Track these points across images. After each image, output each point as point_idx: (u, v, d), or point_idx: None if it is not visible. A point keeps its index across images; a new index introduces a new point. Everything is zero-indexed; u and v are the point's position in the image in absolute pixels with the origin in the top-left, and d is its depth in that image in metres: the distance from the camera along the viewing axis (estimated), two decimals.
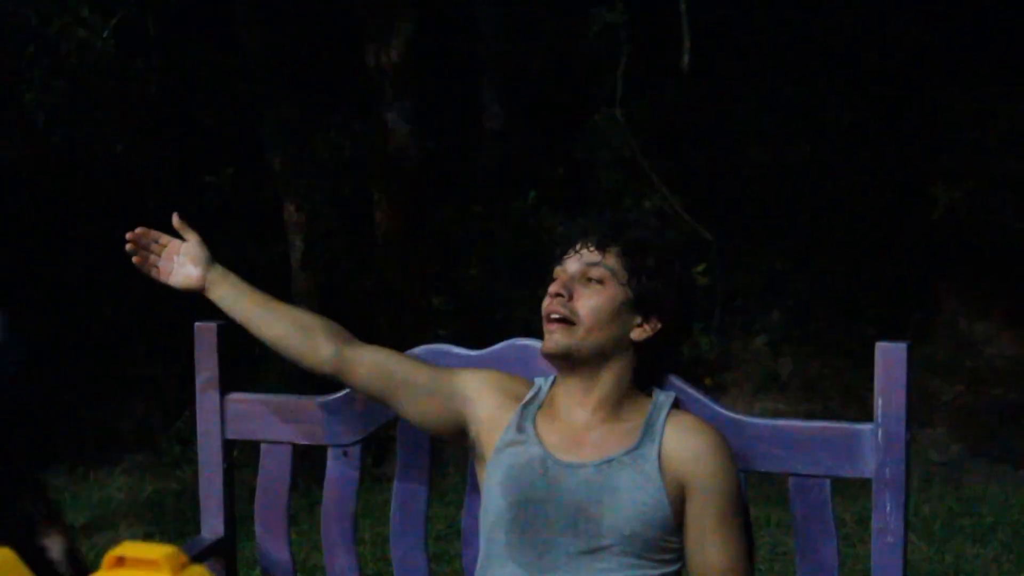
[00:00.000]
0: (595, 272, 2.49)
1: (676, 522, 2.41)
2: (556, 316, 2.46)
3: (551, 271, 2.57)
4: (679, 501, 2.41)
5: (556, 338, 2.46)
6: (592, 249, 2.51)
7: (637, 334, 2.50)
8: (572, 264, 2.51)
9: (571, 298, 2.47)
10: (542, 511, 2.43)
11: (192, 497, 5.52)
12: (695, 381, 2.68)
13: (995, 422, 7.69)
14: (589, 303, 2.47)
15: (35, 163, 8.60)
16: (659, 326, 2.51)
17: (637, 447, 2.44)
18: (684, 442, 2.44)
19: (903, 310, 8.44)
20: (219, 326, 2.91)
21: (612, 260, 2.50)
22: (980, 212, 8.50)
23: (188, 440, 7.20)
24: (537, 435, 2.52)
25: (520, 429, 2.53)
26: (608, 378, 2.50)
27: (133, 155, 7.69)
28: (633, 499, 2.39)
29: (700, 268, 7.60)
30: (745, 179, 8.90)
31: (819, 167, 8.87)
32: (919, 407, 6.87)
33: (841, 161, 8.89)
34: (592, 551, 2.39)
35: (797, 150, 8.80)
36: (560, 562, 2.40)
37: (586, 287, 2.48)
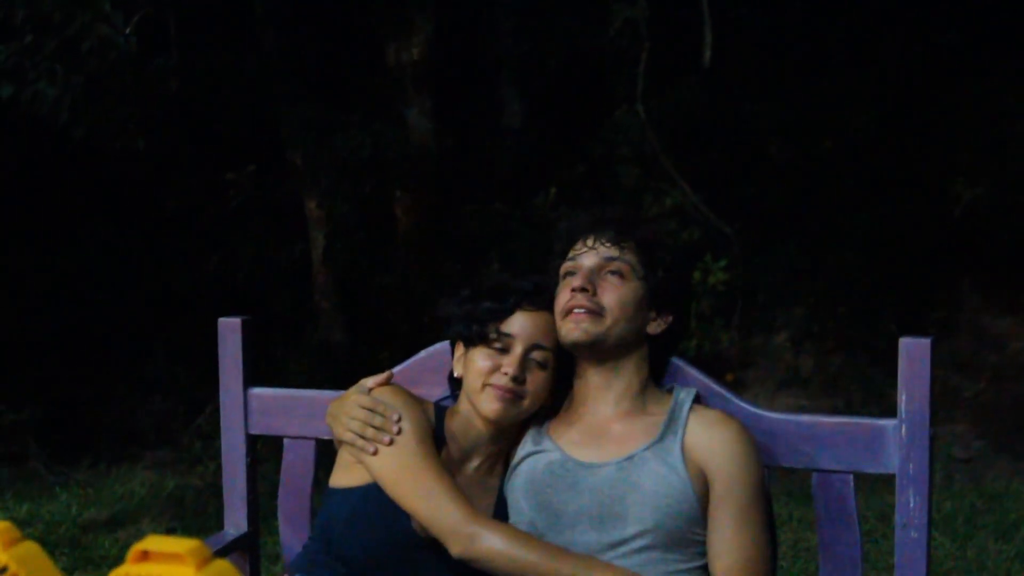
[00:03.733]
0: (615, 266, 2.50)
1: (702, 514, 2.41)
2: (582, 310, 2.46)
3: (555, 267, 2.58)
4: (704, 492, 2.41)
5: (584, 327, 2.46)
6: (608, 244, 2.52)
7: (652, 328, 2.53)
8: (588, 258, 2.52)
9: (595, 292, 2.47)
10: (564, 512, 2.44)
11: (214, 493, 5.56)
12: (716, 377, 2.68)
13: (1018, 418, 7.66)
14: (615, 295, 2.48)
15: (56, 160, 8.63)
16: (670, 319, 2.54)
17: (660, 440, 2.44)
18: (708, 433, 2.44)
19: (925, 306, 8.42)
20: (243, 321, 2.91)
21: (630, 255, 2.51)
22: (1002, 208, 8.47)
23: (210, 436, 7.22)
24: (554, 441, 2.53)
25: (535, 441, 2.55)
26: (628, 370, 2.52)
27: (154, 152, 7.70)
28: (657, 492, 2.39)
29: (721, 264, 7.59)
30: (766, 176, 8.88)
31: (840, 163, 8.85)
32: (941, 403, 6.86)
33: (862, 157, 8.86)
34: (616, 545, 2.39)
35: (818, 146, 8.78)
36: None
37: (606, 280, 2.49)
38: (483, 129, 9.55)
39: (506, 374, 2.47)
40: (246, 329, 2.92)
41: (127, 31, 6.20)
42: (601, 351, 2.49)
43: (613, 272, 2.50)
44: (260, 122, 8.64)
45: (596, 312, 2.46)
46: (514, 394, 2.48)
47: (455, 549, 2.37)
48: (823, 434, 2.55)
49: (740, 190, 8.77)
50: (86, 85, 6.29)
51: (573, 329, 2.46)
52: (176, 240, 9.10)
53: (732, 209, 8.23)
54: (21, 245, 8.70)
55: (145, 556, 1.15)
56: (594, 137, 8.75)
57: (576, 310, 2.47)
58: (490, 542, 2.36)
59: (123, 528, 6.12)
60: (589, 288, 2.47)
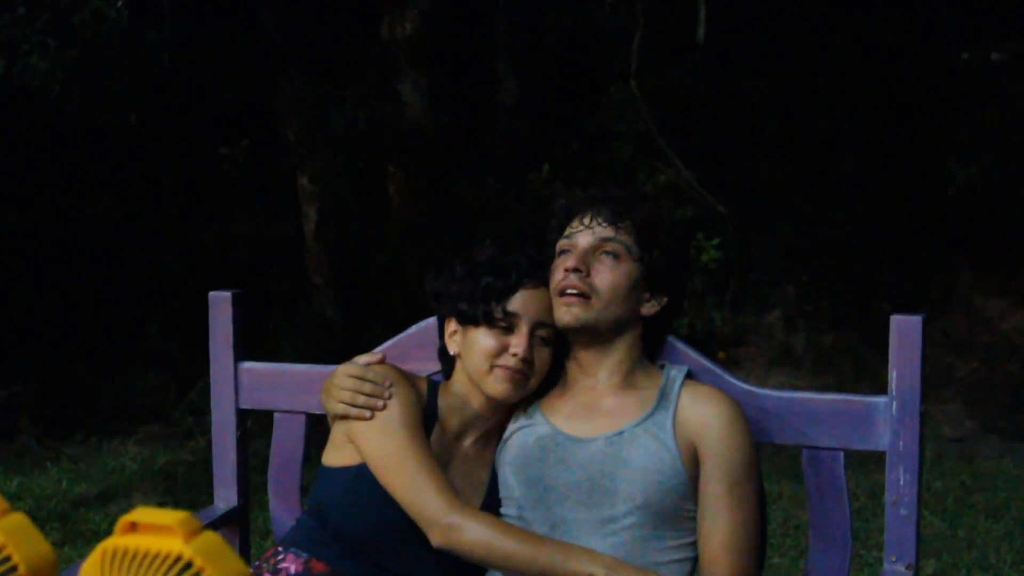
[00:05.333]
0: (610, 247, 2.48)
1: (692, 490, 2.41)
2: (574, 292, 2.45)
3: (551, 242, 2.57)
4: (694, 468, 2.41)
5: (575, 311, 2.44)
6: (605, 223, 2.50)
7: (647, 309, 2.52)
8: (583, 238, 2.50)
9: (588, 273, 2.46)
10: (553, 487, 2.44)
11: (205, 468, 5.55)
12: (708, 355, 2.68)
13: (1009, 398, 7.68)
14: (608, 278, 2.46)
15: (49, 135, 8.61)
16: (665, 300, 2.53)
17: (651, 415, 2.44)
18: (699, 409, 2.43)
19: (918, 286, 8.42)
20: (234, 295, 2.90)
21: (625, 235, 2.49)
22: (997, 188, 8.47)
23: (201, 411, 7.22)
24: (544, 416, 2.53)
25: (527, 415, 2.55)
26: (620, 349, 2.51)
27: (147, 127, 7.68)
28: (648, 467, 2.39)
29: (715, 242, 7.59)
30: (760, 154, 8.87)
31: (835, 142, 8.84)
32: (933, 383, 6.87)
33: (858, 136, 8.85)
34: (606, 522, 2.39)
35: (813, 124, 8.76)
36: (572, 535, 2.40)
37: (601, 262, 2.47)
38: (478, 105, 9.53)
39: (515, 355, 2.45)
40: (237, 303, 2.91)
41: (119, 4, 6.18)
42: (591, 334, 2.48)
43: (608, 253, 2.48)
44: (254, 97, 8.62)
45: (586, 295, 2.44)
46: (523, 375, 2.47)
47: (435, 539, 2.38)
48: (814, 411, 2.55)
49: (734, 168, 8.77)
50: (78, 59, 6.27)
51: (564, 313, 2.45)
52: (169, 215, 9.09)
53: (726, 187, 8.23)
54: (14, 221, 8.68)
55: (133, 528, 1.14)
56: (589, 114, 8.73)
57: (568, 291, 2.45)
58: (469, 533, 2.36)
59: (114, 503, 6.12)
60: (583, 269, 2.45)
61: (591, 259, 2.47)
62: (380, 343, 2.80)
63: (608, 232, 2.49)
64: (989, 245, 8.66)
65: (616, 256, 2.47)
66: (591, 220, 2.51)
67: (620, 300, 2.46)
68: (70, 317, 8.57)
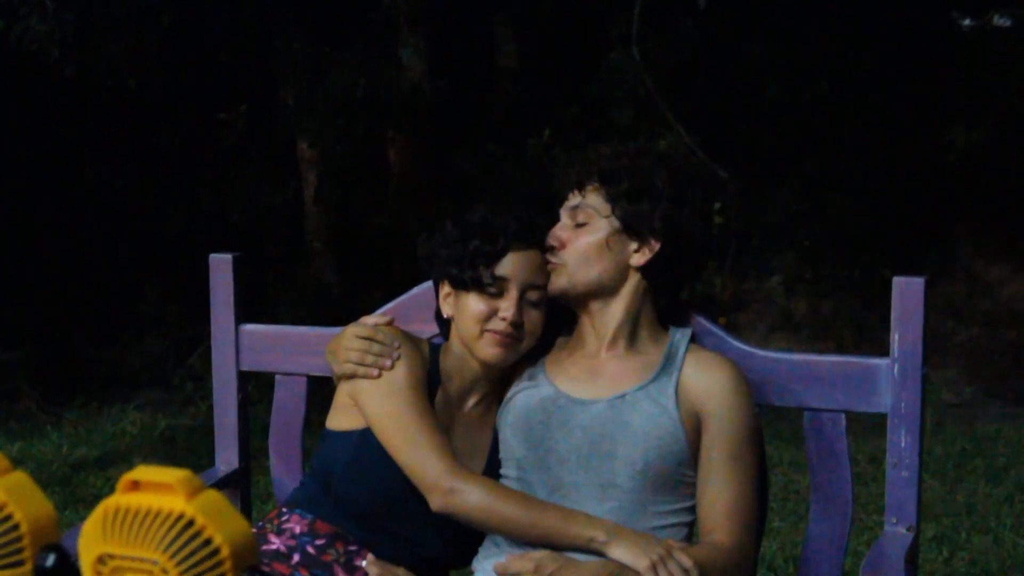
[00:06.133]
0: (580, 216, 2.50)
1: (692, 455, 2.41)
2: (550, 266, 2.49)
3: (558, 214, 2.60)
4: (695, 434, 2.41)
5: (552, 281, 2.48)
6: (575, 191, 2.52)
7: (636, 259, 2.49)
8: (563, 214, 2.53)
9: (563, 245, 2.48)
10: (554, 449, 2.44)
11: (205, 433, 5.57)
12: (709, 320, 2.67)
13: (1009, 364, 7.69)
14: (572, 247, 2.48)
15: (47, 99, 8.59)
16: (657, 246, 2.48)
17: (654, 380, 2.44)
18: (703, 375, 2.43)
19: (919, 251, 8.42)
20: (234, 257, 2.89)
21: (591, 197, 2.50)
22: (998, 154, 8.46)
23: (201, 377, 7.23)
24: (548, 378, 2.52)
25: (530, 376, 2.55)
26: (618, 309, 2.50)
27: (146, 91, 7.66)
28: (648, 432, 2.39)
29: (715, 207, 7.56)
30: (761, 118, 8.85)
31: (836, 107, 8.82)
32: (933, 349, 6.87)
33: (859, 101, 8.83)
34: (605, 486, 2.39)
35: (814, 89, 8.74)
36: (572, 498, 2.40)
37: (575, 232, 2.49)
38: (478, 70, 9.50)
39: (504, 319, 2.45)
40: (237, 265, 2.90)
41: None
42: (577, 299, 2.50)
43: (579, 224, 2.49)
44: (253, 61, 8.59)
45: (559, 266, 2.47)
46: (513, 338, 2.47)
47: (435, 504, 2.38)
48: (815, 373, 2.55)
49: (735, 133, 8.75)
50: (77, 21, 6.24)
51: (549, 285, 2.50)
52: (169, 180, 9.08)
53: (727, 152, 8.20)
54: (13, 185, 8.67)
55: (135, 486, 1.14)
56: (589, 79, 8.70)
57: (549, 264, 2.50)
58: (468, 497, 2.36)
59: (114, 467, 6.13)
60: (555, 244, 2.49)
61: (564, 231, 2.50)
62: (379, 308, 2.80)
63: (575, 200, 2.52)
64: (989, 211, 8.65)
65: (583, 224, 2.49)
66: (569, 193, 2.54)
67: (590, 263, 2.47)
68: (70, 283, 8.57)
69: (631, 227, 2.48)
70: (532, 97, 9.22)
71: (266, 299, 7.97)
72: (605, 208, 2.48)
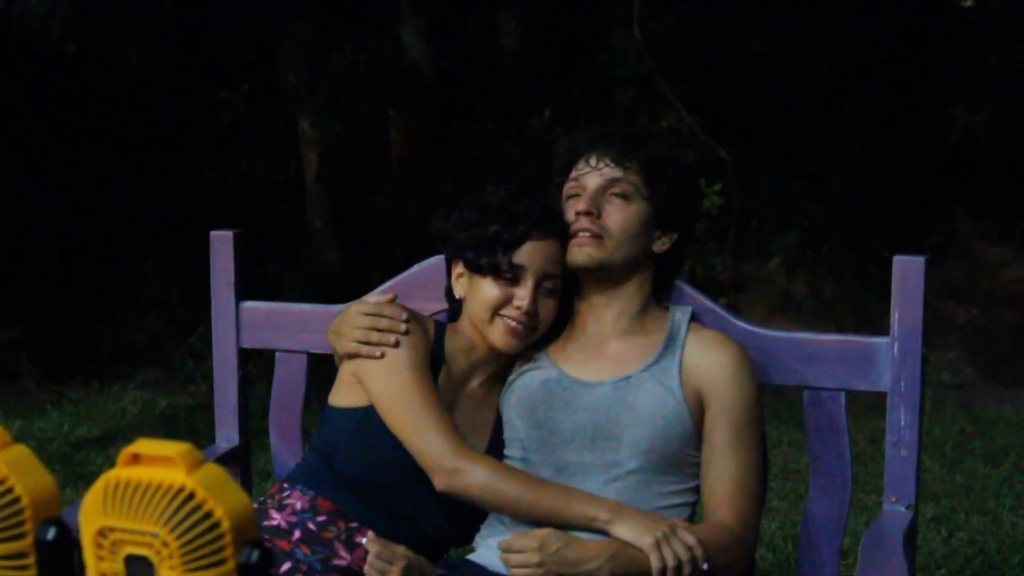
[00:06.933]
0: (619, 187, 2.46)
1: (696, 435, 2.42)
2: (587, 234, 2.44)
3: (557, 184, 2.56)
4: (699, 413, 2.42)
5: (588, 251, 2.43)
6: (612, 164, 2.48)
7: (658, 246, 2.51)
8: (592, 179, 2.48)
9: (599, 215, 2.45)
10: (558, 430, 2.44)
11: (205, 412, 5.57)
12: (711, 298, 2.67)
13: (1009, 346, 7.69)
14: (619, 219, 2.45)
15: (48, 78, 8.57)
16: (675, 237, 2.52)
17: (657, 361, 2.44)
18: (706, 354, 2.44)
19: (919, 233, 8.41)
20: (235, 234, 2.89)
21: (633, 175, 2.47)
22: (999, 135, 8.44)
23: (202, 356, 7.23)
24: (550, 359, 2.53)
25: (533, 357, 2.55)
26: (631, 290, 2.50)
27: (147, 70, 7.64)
28: (653, 413, 2.39)
29: (716, 188, 7.57)
30: (762, 99, 8.84)
31: (837, 88, 8.81)
32: (933, 330, 6.87)
33: (860, 82, 8.82)
34: (610, 466, 2.40)
35: (815, 70, 8.73)
36: (576, 479, 2.41)
37: (611, 203, 2.46)
38: (478, 50, 9.48)
39: (519, 308, 2.45)
40: (238, 242, 2.90)
41: None
42: (604, 274, 2.48)
43: (617, 194, 2.46)
44: (254, 40, 8.57)
45: (600, 236, 2.43)
46: (527, 327, 2.47)
47: (438, 483, 2.38)
48: (816, 352, 2.55)
49: (736, 114, 8.73)
50: None
51: (578, 254, 2.44)
52: (169, 159, 9.07)
53: (728, 133, 8.20)
54: (14, 164, 8.66)
55: (136, 459, 1.14)
56: (590, 59, 8.69)
57: (581, 233, 2.44)
58: (472, 477, 2.36)
59: (114, 445, 6.13)
60: (593, 211, 2.44)
61: (600, 200, 2.46)
62: (379, 287, 2.79)
63: (616, 172, 2.47)
64: (990, 192, 8.64)
65: (626, 197, 2.46)
66: (597, 161, 2.49)
67: (632, 240, 2.45)
68: (70, 261, 8.56)
69: (664, 215, 2.49)
70: (533, 77, 9.21)
71: (267, 278, 7.97)
72: (645, 190, 2.47)
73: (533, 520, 2.36)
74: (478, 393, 2.57)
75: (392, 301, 2.55)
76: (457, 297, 2.56)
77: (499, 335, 2.47)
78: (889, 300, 2.48)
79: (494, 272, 2.45)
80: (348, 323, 2.50)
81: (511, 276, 2.45)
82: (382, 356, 2.44)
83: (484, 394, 2.58)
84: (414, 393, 2.42)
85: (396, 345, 2.44)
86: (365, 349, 2.46)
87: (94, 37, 6.54)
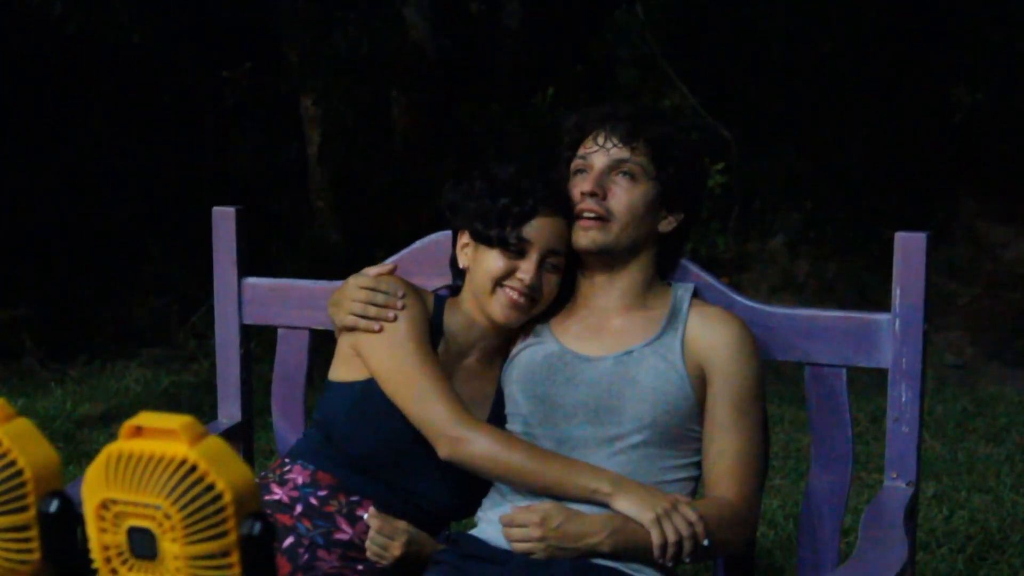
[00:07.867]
0: (626, 167, 2.46)
1: (699, 410, 2.42)
2: (591, 215, 2.44)
3: (564, 159, 2.55)
4: (702, 389, 2.42)
5: (592, 235, 2.44)
6: (619, 144, 2.47)
7: (664, 226, 2.51)
8: (598, 158, 2.47)
9: (604, 196, 2.44)
10: (561, 405, 2.44)
11: (208, 390, 5.57)
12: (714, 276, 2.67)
13: (1011, 326, 7.69)
14: (624, 200, 2.44)
15: (51, 56, 8.56)
16: (682, 217, 2.52)
17: (659, 336, 2.44)
18: (708, 330, 2.44)
19: (922, 212, 8.40)
20: (237, 211, 2.89)
21: (640, 155, 2.46)
22: (1003, 115, 8.42)
23: (204, 334, 7.25)
24: (552, 334, 2.52)
25: (534, 332, 2.55)
26: (635, 269, 2.50)
27: (150, 48, 7.63)
28: (655, 388, 2.39)
29: (719, 167, 7.56)
30: (765, 79, 8.82)
31: (840, 67, 8.78)
32: (935, 310, 6.88)
33: (863, 62, 8.79)
34: (612, 440, 2.40)
35: (819, 49, 8.70)
36: (578, 452, 2.41)
37: (616, 183, 2.45)
38: (481, 28, 9.46)
39: (522, 280, 2.45)
40: (240, 219, 2.90)
41: None
42: (608, 256, 2.48)
43: (624, 173, 2.45)
44: (257, 18, 8.55)
45: (604, 218, 2.43)
46: (528, 299, 2.47)
47: (442, 451, 2.39)
48: (817, 328, 2.55)
49: (739, 93, 8.72)
50: None
51: (582, 237, 2.45)
52: (172, 138, 9.06)
53: (731, 112, 8.18)
54: (16, 142, 8.65)
55: (138, 432, 1.14)
56: (593, 38, 8.67)
57: (585, 215, 2.44)
58: (476, 445, 2.37)
59: (117, 423, 6.12)
60: (599, 192, 2.44)
61: (607, 180, 2.45)
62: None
63: (623, 153, 2.46)
64: (993, 172, 8.63)
65: (632, 177, 2.46)
66: (605, 140, 2.48)
67: (638, 221, 2.45)
68: (72, 239, 8.56)
69: (670, 195, 2.49)
70: (536, 56, 9.19)
71: (269, 256, 7.97)
72: (652, 170, 2.47)
73: (535, 490, 2.36)
74: (477, 367, 2.58)
75: (391, 272, 2.55)
76: (461, 266, 2.56)
77: (499, 307, 2.47)
78: (891, 279, 2.47)
79: (501, 244, 2.45)
80: (347, 296, 2.50)
81: (517, 249, 2.45)
82: (380, 330, 2.45)
83: (483, 368, 2.58)
84: (416, 363, 2.43)
85: (394, 320, 2.45)
86: (363, 323, 2.46)
87: (95, 17, 6.52)
